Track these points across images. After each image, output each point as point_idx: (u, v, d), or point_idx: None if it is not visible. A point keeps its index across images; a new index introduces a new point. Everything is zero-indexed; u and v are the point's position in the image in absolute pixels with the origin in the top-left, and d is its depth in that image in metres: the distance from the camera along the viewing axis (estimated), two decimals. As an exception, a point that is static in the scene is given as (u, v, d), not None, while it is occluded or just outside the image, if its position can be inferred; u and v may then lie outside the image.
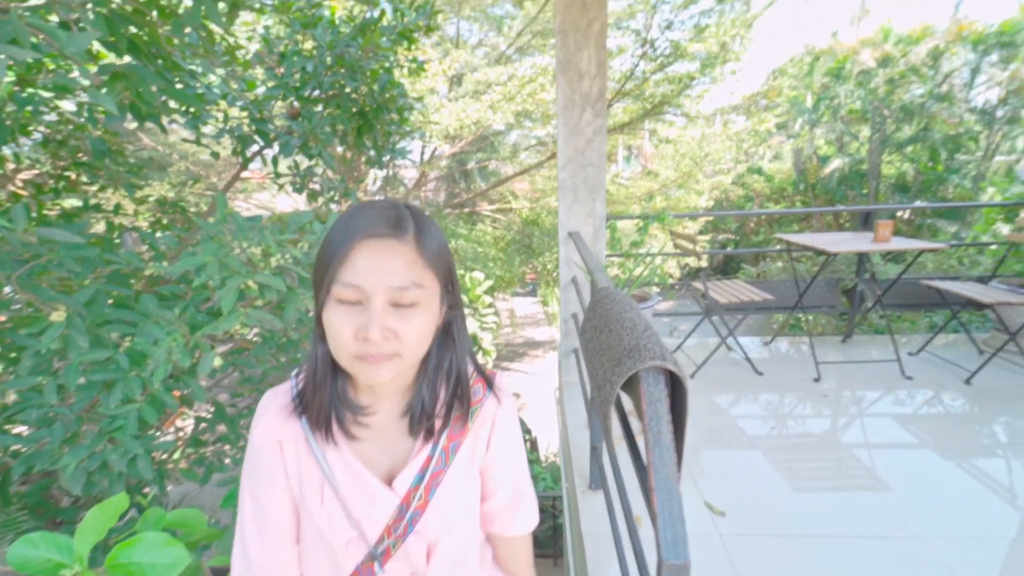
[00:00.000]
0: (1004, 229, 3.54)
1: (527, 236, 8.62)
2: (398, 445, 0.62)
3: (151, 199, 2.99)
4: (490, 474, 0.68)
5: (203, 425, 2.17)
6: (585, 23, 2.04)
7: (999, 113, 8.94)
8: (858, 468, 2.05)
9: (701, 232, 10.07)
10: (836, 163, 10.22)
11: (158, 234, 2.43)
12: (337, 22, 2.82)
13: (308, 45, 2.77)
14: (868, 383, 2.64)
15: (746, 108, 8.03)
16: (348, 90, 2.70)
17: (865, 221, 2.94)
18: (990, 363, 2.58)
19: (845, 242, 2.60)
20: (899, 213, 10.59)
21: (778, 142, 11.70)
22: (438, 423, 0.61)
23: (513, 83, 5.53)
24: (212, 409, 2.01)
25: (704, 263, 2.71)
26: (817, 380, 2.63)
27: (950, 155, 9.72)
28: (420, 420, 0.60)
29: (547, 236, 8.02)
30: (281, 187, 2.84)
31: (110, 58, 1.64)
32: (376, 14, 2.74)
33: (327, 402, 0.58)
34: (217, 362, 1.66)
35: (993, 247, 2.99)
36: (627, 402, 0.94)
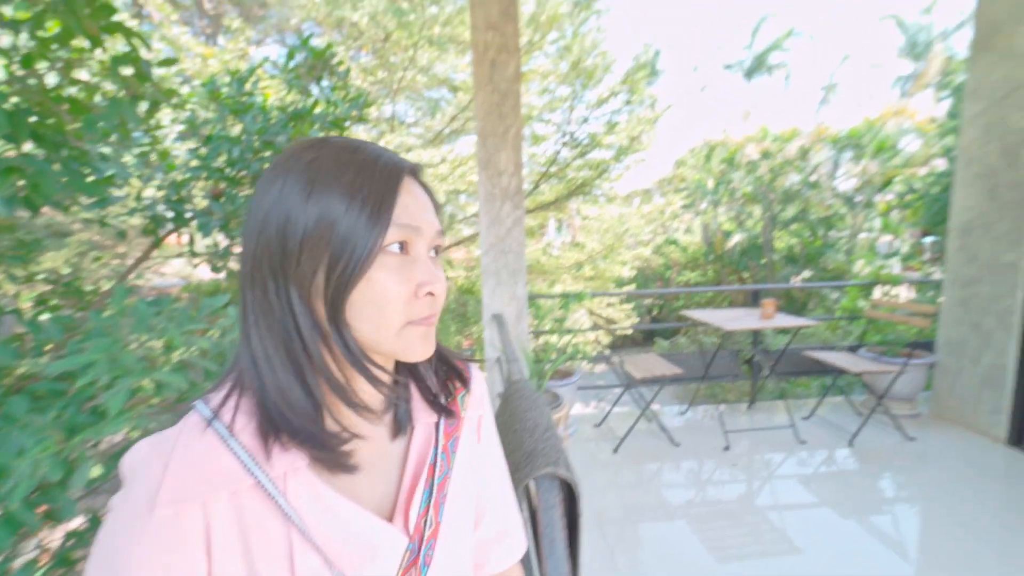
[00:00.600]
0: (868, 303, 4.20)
1: (462, 305, 8.69)
2: (386, 459, 0.45)
3: (38, 278, 2.72)
4: (483, 479, 0.53)
5: (72, 541, 1.87)
6: (502, 129, 2.27)
7: (857, 199, 10.71)
8: (771, 532, 2.17)
9: (627, 300, 10.80)
10: (737, 237, 11.56)
11: (44, 316, 2.20)
12: (269, 108, 2.91)
13: (237, 129, 2.81)
14: (771, 447, 2.86)
15: (659, 189, 9.01)
16: (275, 174, 2.73)
17: (755, 298, 3.34)
18: (867, 424, 2.92)
19: (739, 319, 2.92)
20: (793, 279, 12.03)
21: (689, 218, 13.08)
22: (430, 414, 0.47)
23: (445, 165, 5.86)
24: (87, 520, 1.75)
25: (631, 329, 2.90)
26: (727, 449, 2.81)
27: (825, 232, 11.35)
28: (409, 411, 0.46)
29: (481, 305, 8.15)
30: (196, 266, 2.73)
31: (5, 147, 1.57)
32: (309, 104, 2.86)
33: (308, 422, 0.39)
34: (96, 471, 1.48)
35: (859, 319, 3.49)
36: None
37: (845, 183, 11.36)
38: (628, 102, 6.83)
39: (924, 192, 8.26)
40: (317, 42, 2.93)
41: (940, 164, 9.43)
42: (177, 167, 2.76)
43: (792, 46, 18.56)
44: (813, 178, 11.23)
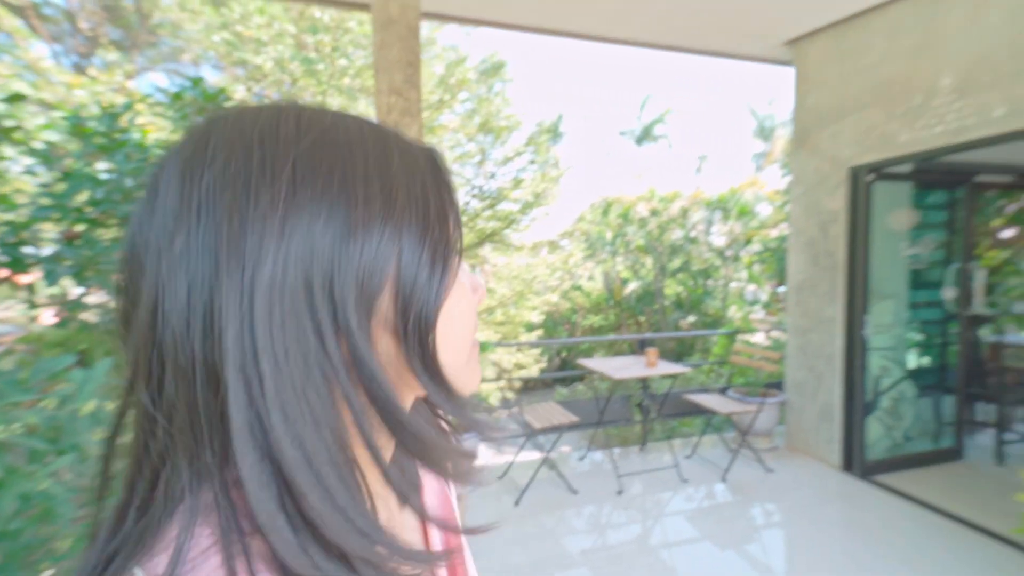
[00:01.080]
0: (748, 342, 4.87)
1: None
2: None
3: None
4: None
5: None
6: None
7: (728, 253, 12.34)
8: (664, 571, 2.30)
9: (534, 347, 11.25)
10: (633, 285, 12.64)
11: None
12: (148, 146, 2.68)
13: (106, 166, 2.55)
14: (660, 487, 3.08)
15: (562, 240, 9.64)
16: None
17: (642, 346, 3.66)
18: (737, 460, 3.27)
19: (627, 368, 3.17)
20: (681, 322, 13.37)
21: (591, 266, 14.06)
22: None
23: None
24: None
25: (537, 375, 2.99)
26: (620, 493, 2.96)
27: (704, 281, 12.85)
28: None
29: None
30: (34, 319, 2.35)
31: None
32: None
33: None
34: None
35: (727, 363, 3.98)
36: None
37: (718, 239, 13.16)
38: (533, 161, 7.36)
39: (775, 250, 9.79)
40: (216, 79, 2.81)
41: (785, 228, 11.30)
42: (21, 205, 2.41)
43: (673, 121, 21.41)
44: (693, 234, 12.85)
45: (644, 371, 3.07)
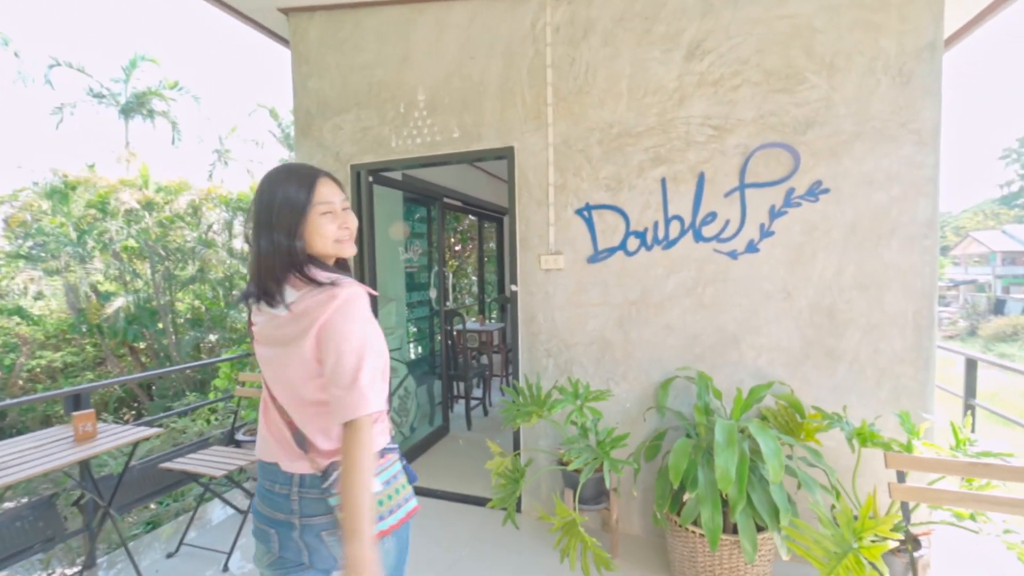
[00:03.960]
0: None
1: None
2: None
3: None
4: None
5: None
6: None
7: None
8: None
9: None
10: (120, 301, 9.22)
11: None
12: None
13: None
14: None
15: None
16: None
17: (76, 405, 2.20)
18: (249, 523, 2.47)
19: (35, 459, 1.71)
20: (202, 343, 11.02)
21: (37, 276, 9.21)
22: None
23: None
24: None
25: None
26: None
27: (229, 292, 11.13)
28: None
29: None
30: None
31: None
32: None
33: None
34: None
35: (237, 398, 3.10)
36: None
37: (240, 243, 11.75)
38: None
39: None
40: None
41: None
42: None
43: (181, 101, 17.67)
44: (209, 236, 10.84)
45: (75, 453, 1.74)
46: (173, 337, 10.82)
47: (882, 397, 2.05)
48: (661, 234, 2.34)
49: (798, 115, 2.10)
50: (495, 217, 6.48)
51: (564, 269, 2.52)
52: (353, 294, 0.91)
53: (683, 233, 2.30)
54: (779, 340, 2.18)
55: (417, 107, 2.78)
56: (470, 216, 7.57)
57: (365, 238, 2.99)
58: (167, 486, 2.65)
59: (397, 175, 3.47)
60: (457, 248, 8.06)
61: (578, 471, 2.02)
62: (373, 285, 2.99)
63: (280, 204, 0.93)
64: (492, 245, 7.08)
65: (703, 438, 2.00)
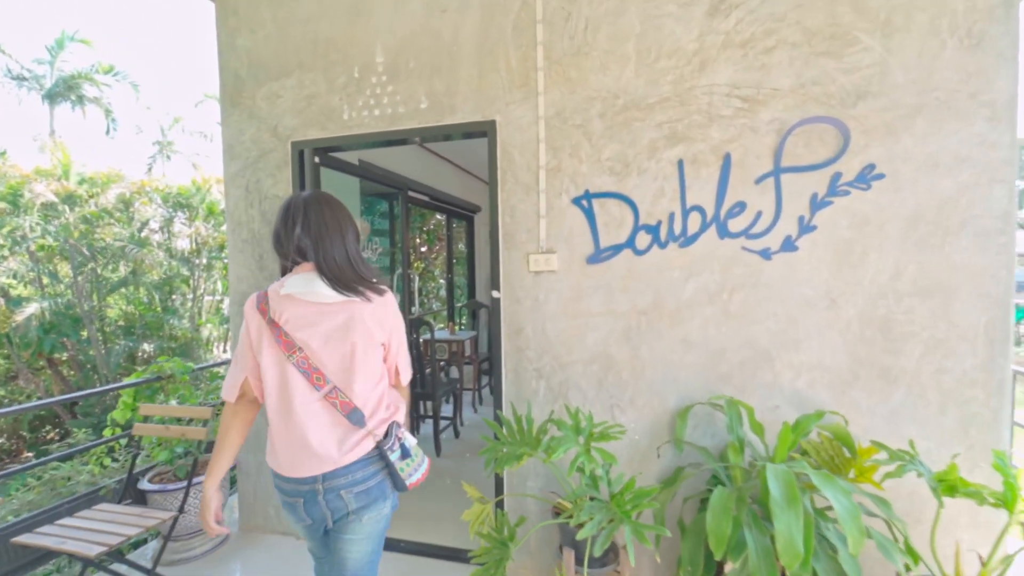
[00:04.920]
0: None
1: None
2: None
3: None
4: None
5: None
6: None
7: (198, 261, 10.17)
8: None
9: None
10: (33, 307, 8.08)
11: None
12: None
13: None
14: None
15: None
16: None
17: None
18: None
19: None
20: (140, 353, 9.89)
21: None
22: None
23: None
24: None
25: None
26: None
27: (167, 296, 10.08)
28: None
29: None
30: None
31: None
32: None
33: None
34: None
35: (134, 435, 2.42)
36: None
37: (183, 242, 10.67)
38: None
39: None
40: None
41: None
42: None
43: (118, 88, 16.19)
44: (144, 234, 9.75)
45: None
46: (102, 347, 9.65)
47: (947, 427, 1.70)
48: (678, 228, 1.92)
49: (846, 84, 1.73)
50: (465, 215, 5.97)
51: (558, 271, 2.05)
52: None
53: (705, 227, 1.89)
54: (821, 357, 1.79)
55: (375, 71, 2.25)
56: (437, 215, 7.03)
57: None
58: (24, 566, 1.98)
59: (353, 159, 2.91)
60: (423, 249, 7.49)
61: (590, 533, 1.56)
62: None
63: (352, 223, 1.30)
64: (462, 246, 6.56)
65: (742, 485, 1.57)
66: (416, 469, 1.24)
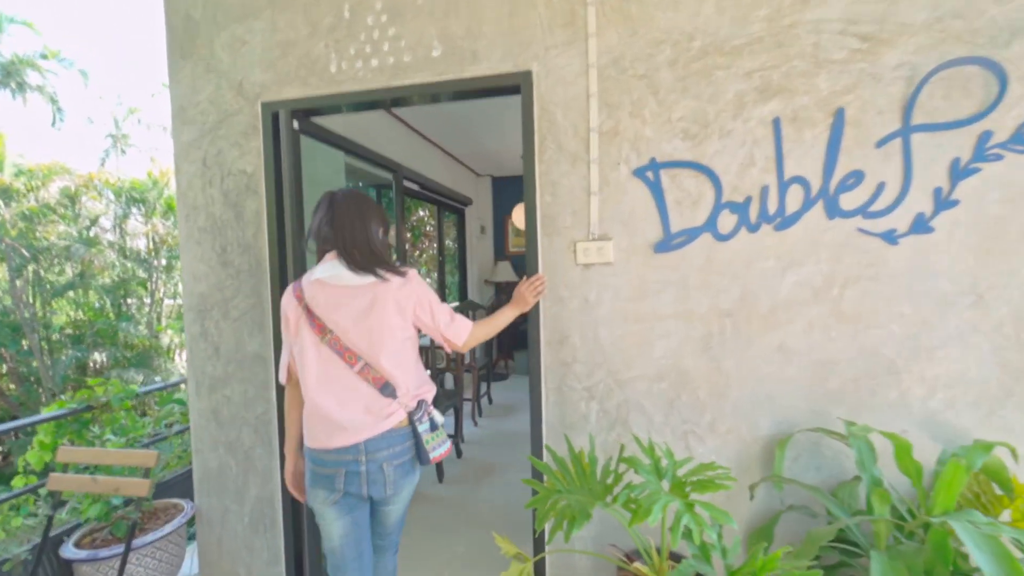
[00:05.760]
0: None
1: None
2: None
3: None
4: None
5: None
6: None
7: (156, 261, 9.31)
8: None
9: None
10: (-38, 315, 7.13)
11: None
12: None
13: None
14: None
15: None
16: None
17: None
18: None
19: None
20: (91, 364, 8.97)
21: None
22: None
23: None
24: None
25: None
26: None
27: (123, 300, 9.19)
28: None
29: None
30: None
31: None
32: None
33: None
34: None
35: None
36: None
37: (139, 241, 9.76)
38: None
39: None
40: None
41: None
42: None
43: (66, 76, 14.90)
44: (94, 233, 8.84)
45: None
46: (47, 358, 8.69)
47: None
48: (773, 206, 1.50)
49: (998, 17, 1.34)
50: (456, 208, 5.47)
51: (615, 263, 1.61)
52: None
53: (808, 204, 1.48)
54: (963, 369, 1.41)
55: (371, 8, 1.76)
56: (422, 208, 6.50)
57: (289, 219, 1.91)
58: None
59: (339, 126, 2.40)
60: (408, 247, 6.94)
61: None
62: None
63: (379, 214, 1.38)
64: (449, 243, 6.06)
65: (901, 548, 1.16)
66: (440, 444, 1.34)
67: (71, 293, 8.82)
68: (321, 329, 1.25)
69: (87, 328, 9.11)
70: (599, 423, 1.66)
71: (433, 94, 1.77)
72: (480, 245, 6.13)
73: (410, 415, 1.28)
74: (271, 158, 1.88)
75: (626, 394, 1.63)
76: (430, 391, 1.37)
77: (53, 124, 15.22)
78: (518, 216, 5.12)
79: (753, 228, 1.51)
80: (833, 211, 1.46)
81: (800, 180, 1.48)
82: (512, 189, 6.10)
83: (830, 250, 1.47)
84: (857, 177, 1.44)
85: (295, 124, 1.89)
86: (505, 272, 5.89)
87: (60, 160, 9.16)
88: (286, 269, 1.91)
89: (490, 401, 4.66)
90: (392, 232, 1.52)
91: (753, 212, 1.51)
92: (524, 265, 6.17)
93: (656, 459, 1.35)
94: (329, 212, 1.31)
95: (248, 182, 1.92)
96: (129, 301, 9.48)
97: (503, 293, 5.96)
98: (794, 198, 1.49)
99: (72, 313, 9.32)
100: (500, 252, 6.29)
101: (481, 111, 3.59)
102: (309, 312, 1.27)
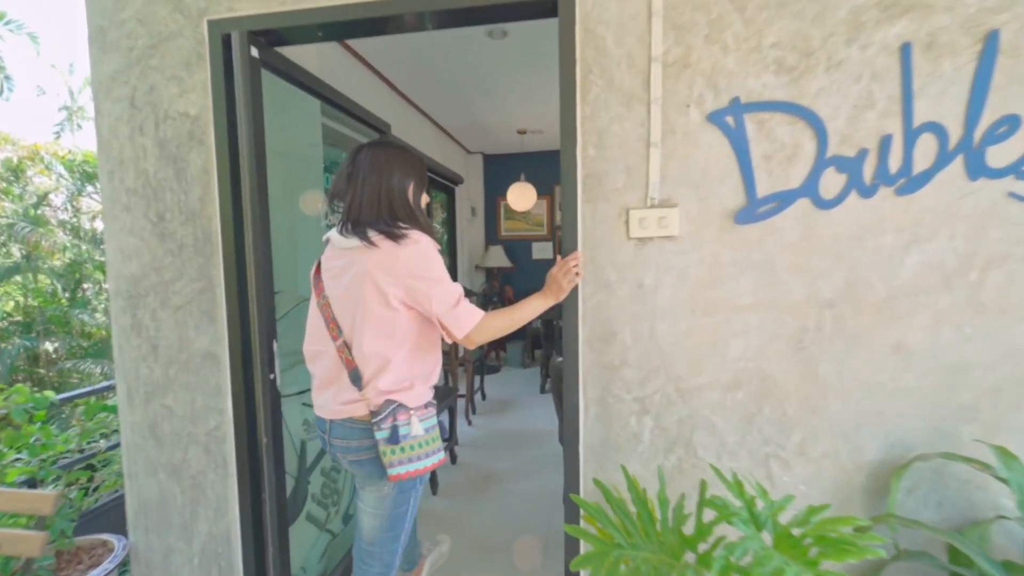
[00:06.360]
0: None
1: None
2: None
3: None
4: None
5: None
6: None
7: (113, 244, 8.55)
8: None
9: None
10: None
11: None
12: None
13: None
14: None
15: None
16: None
17: None
18: None
19: None
20: (43, 354, 8.24)
21: None
22: None
23: None
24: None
25: None
26: None
27: (76, 284, 8.45)
28: None
29: None
30: None
31: None
32: None
33: None
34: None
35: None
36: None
37: (97, 222, 8.98)
38: None
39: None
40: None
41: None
42: None
43: (12, 41, 13.68)
44: (42, 211, 8.06)
45: None
46: (-8, 347, 7.94)
47: None
48: (895, 163, 1.14)
49: None
50: (446, 186, 5.02)
51: (680, 237, 1.23)
52: None
53: (945, 160, 1.12)
54: None
55: None
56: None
57: (246, 177, 1.46)
58: None
59: (314, 67, 1.93)
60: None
61: None
62: (265, 272, 1.48)
63: (411, 168, 1.24)
64: (439, 226, 5.60)
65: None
66: (403, 462, 1.08)
67: (18, 277, 8.05)
68: (320, 293, 1.18)
69: (37, 315, 8.37)
70: (653, 444, 1.29)
71: (437, 20, 1.34)
72: (471, 228, 5.70)
73: (372, 414, 1.09)
74: (222, 97, 1.42)
75: (691, 407, 1.27)
76: (414, 396, 1.12)
77: (0, 94, 13.99)
78: (516, 197, 4.66)
79: (867, 192, 1.15)
80: (977, 169, 1.10)
81: (934, 127, 1.11)
82: (506, 168, 5.65)
83: (970, 221, 1.12)
84: (1012, 124, 1.08)
85: (254, 51, 1.43)
86: (497, 257, 5.48)
87: (7, 132, 8.30)
88: (243, 243, 1.47)
89: (483, 397, 4.28)
90: (424, 198, 1.25)
91: (868, 170, 1.15)
92: (517, 251, 5.77)
93: (749, 500, 0.99)
94: (350, 164, 1.17)
95: (192, 128, 1.46)
96: (85, 286, 8.75)
97: (495, 279, 5.56)
98: (924, 151, 1.12)
99: (20, 299, 8.56)
100: (492, 236, 5.86)
101: (477, 76, 3.15)
102: (317, 271, 1.21)
